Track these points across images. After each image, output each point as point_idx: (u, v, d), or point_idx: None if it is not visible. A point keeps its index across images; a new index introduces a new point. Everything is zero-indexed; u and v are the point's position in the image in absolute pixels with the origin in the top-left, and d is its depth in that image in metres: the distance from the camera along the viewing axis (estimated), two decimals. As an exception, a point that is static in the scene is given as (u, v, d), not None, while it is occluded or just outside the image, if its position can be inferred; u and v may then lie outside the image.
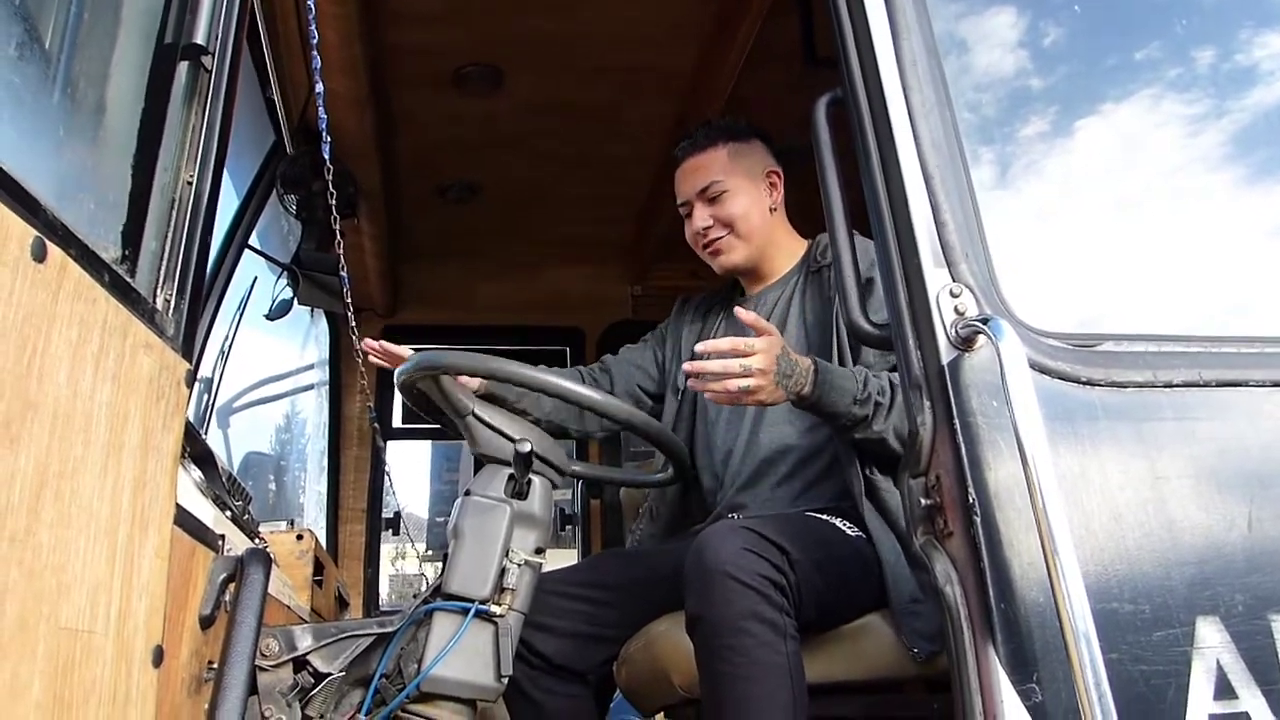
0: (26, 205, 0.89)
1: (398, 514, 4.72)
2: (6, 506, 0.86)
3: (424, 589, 1.88)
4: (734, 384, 1.89)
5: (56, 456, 0.94)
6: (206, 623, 1.41)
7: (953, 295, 1.52)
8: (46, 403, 0.93)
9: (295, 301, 3.77)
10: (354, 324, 2.80)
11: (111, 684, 1.05)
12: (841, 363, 2.16)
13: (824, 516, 2.06)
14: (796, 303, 2.35)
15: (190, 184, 1.27)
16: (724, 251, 2.42)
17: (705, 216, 2.40)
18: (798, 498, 2.20)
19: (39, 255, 0.90)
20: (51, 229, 0.93)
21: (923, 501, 1.50)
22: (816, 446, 2.19)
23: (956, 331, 1.49)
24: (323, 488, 4.63)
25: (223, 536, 1.53)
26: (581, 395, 1.88)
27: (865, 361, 2.14)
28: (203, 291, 1.30)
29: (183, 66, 1.28)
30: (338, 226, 2.62)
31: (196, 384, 1.87)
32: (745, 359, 1.89)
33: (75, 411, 0.98)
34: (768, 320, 2.34)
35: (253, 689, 1.53)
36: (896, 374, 1.99)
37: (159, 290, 1.22)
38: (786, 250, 2.45)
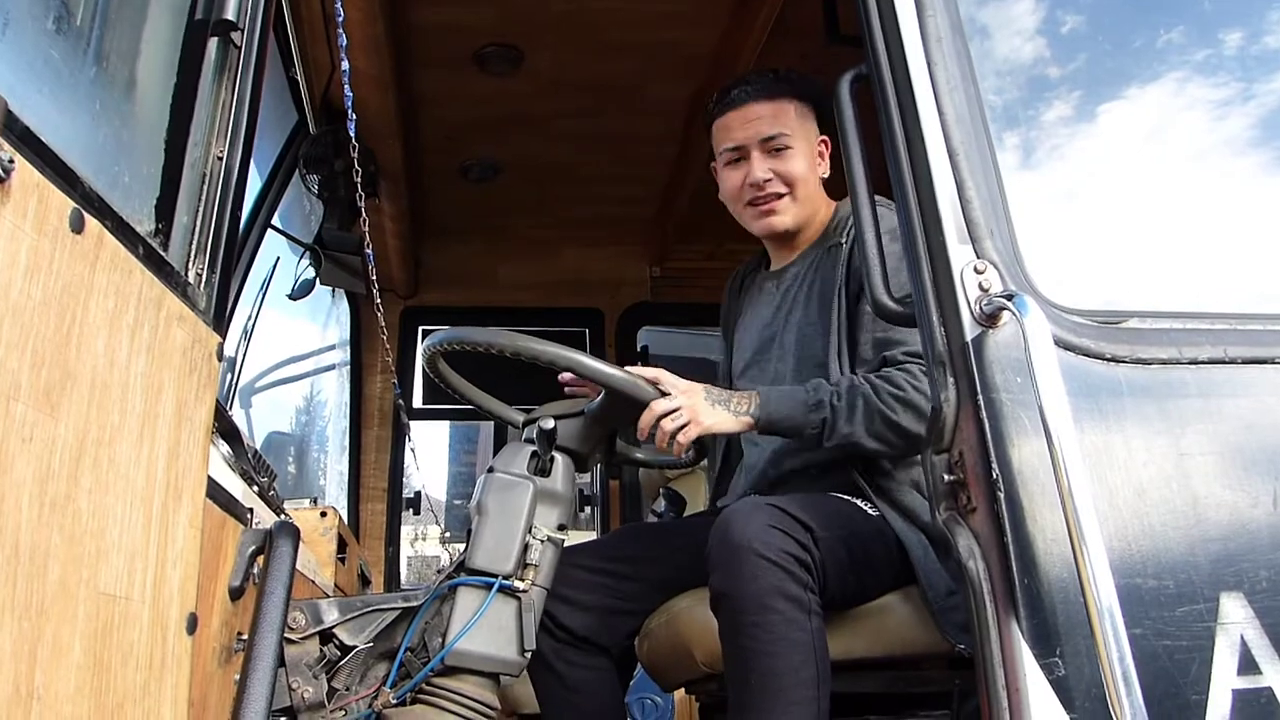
0: (65, 177, 0.90)
1: (418, 493, 4.75)
2: (48, 472, 0.88)
3: (442, 569, 1.90)
4: (667, 424, 1.96)
5: (95, 424, 0.96)
6: (236, 594, 1.43)
7: (977, 271, 1.52)
8: (85, 372, 0.94)
9: (317, 281, 3.79)
10: (379, 302, 2.81)
11: (148, 649, 1.07)
12: (840, 344, 2.14)
13: (845, 496, 2.06)
14: (808, 282, 2.31)
15: (220, 159, 1.29)
16: (778, 212, 2.29)
17: (766, 169, 2.25)
18: (811, 482, 2.19)
19: (77, 226, 0.92)
20: (89, 201, 0.95)
21: (946, 477, 1.50)
22: None
23: (980, 308, 1.49)
24: (344, 467, 4.66)
25: (251, 510, 1.55)
26: (609, 374, 1.89)
27: (859, 338, 2.13)
28: (233, 266, 1.31)
29: (213, 42, 1.29)
30: (362, 204, 2.63)
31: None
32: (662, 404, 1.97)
33: (112, 381, 1.00)
34: (781, 300, 2.36)
35: (280, 661, 1.55)
36: (861, 377, 2.03)
37: (191, 264, 1.24)
38: (820, 221, 2.38)
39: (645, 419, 1.98)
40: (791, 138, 2.26)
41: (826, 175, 2.35)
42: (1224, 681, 1.36)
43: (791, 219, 2.30)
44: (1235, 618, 1.38)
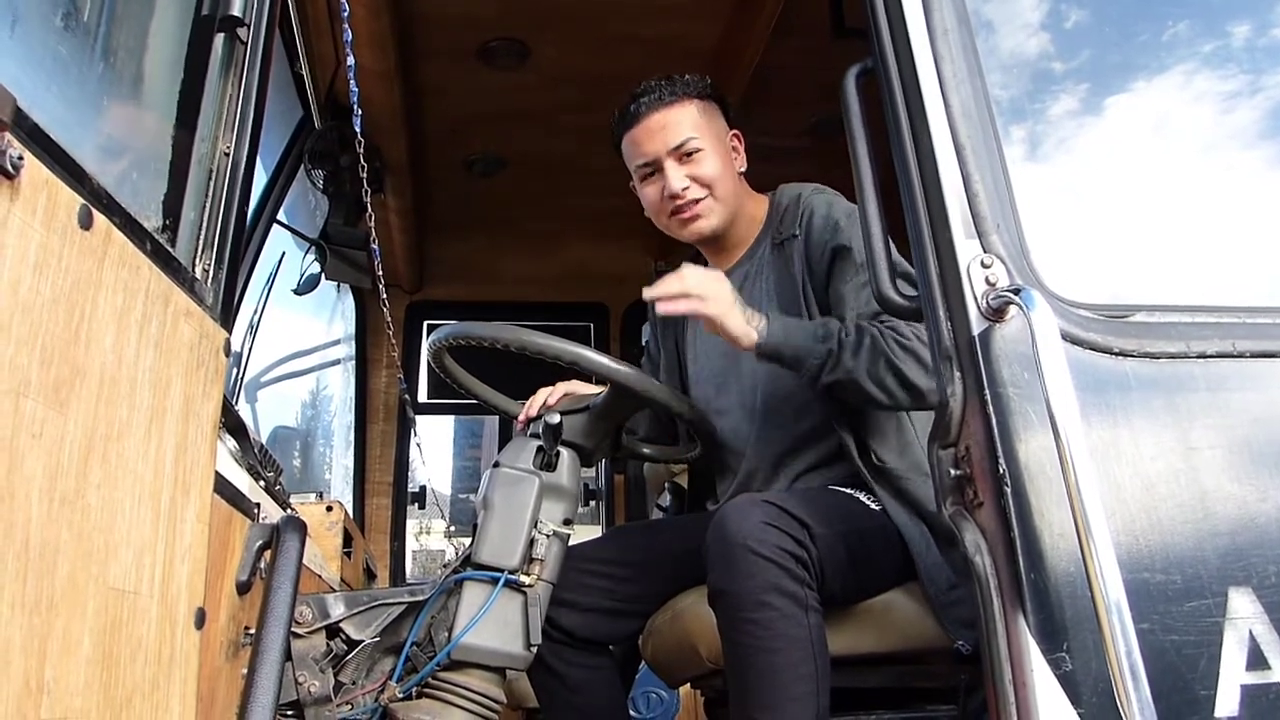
0: (73, 173, 0.91)
1: (423, 488, 4.75)
2: (57, 468, 0.88)
3: (448, 563, 1.90)
4: (691, 288, 1.95)
5: (103, 420, 0.96)
6: (243, 589, 1.44)
7: (984, 266, 1.51)
8: (93, 368, 0.94)
9: (323, 276, 3.80)
10: (384, 296, 2.81)
11: (157, 643, 1.07)
12: None
13: (847, 490, 2.06)
14: (765, 281, 2.27)
15: (227, 155, 1.29)
16: (703, 216, 2.25)
17: (681, 176, 2.22)
18: (810, 472, 2.18)
19: (85, 223, 0.92)
20: (97, 197, 0.95)
21: (952, 472, 1.49)
22: (823, 427, 2.15)
23: (987, 302, 1.48)
24: (348, 462, 4.67)
25: (258, 505, 1.56)
26: (613, 369, 1.89)
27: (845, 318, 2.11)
28: (240, 261, 1.31)
29: (219, 38, 1.29)
30: (368, 199, 2.63)
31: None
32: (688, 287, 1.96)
33: (120, 377, 1.00)
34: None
35: (287, 655, 1.55)
36: (867, 323, 1.99)
37: (198, 259, 1.24)
38: (750, 216, 2.34)
39: (669, 280, 1.96)
40: (700, 139, 2.22)
41: (744, 169, 2.32)
42: (1232, 677, 1.35)
43: (717, 219, 2.27)
44: (1244, 613, 1.38)
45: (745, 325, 1.95)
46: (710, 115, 2.28)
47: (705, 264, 2.43)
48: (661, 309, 1.96)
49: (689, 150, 2.22)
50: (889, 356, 1.93)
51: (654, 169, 2.26)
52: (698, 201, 2.24)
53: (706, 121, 2.26)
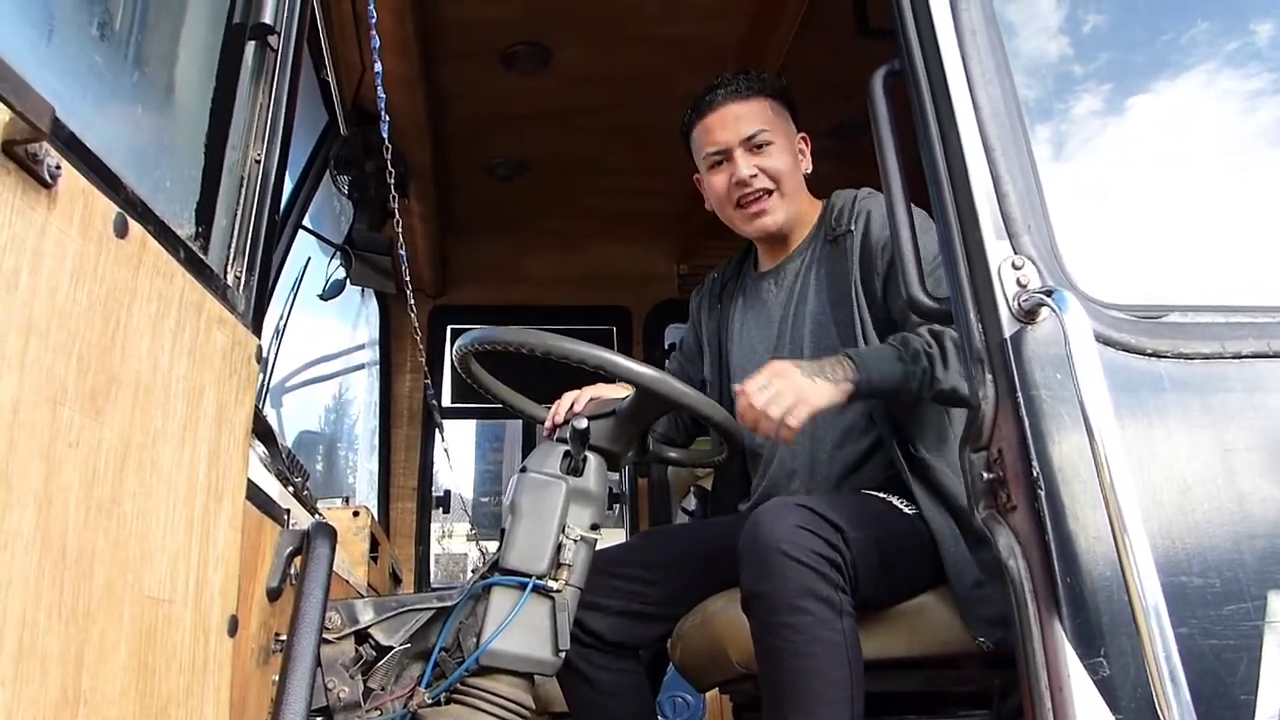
0: (109, 182, 0.91)
1: (448, 492, 4.76)
2: (94, 476, 0.88)
3: (470, 567, 1.91)
4: (773, 409, 1.85)
5: (138, 428, 0.96)
6: (274, 595, 1.44)
7: (1015, 267, 1.50)
8: (129, 376, 0.95)
9: (348, 281, 3.81)
10: (412, 303, 2.82)
11: (191, 651, 1.08)
12: (865, 336, 2.11)
13: (880, 494, 2.05)
14: (814, 275, 2.28)
15: (258, 162, 1.29)
16: (769, 211, 2.28)
17: (751, 165, 2.25)
18: (844, 477, 2.17)
19: (121, 231, 0.92)
20: (131, 205, 0.95)
21: (985, 475, 1.48)
22: (858, 425, 2.16)
23: (1019, 304, 1.47)
24: (373, 466, 4.68)
25: (288, 511, 1.56)
26: (640, 373, 1.89)
27: (884, 336, 2.09)
28: (270, 269, 1.32)
29: (250, 46, 1.29)
30: (395, 205, 2.64)
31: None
32: (759, 390, 1.88)
33: (155, 385, 1.00)
34: (788, 296, 2.32)
35: (316, 661, 1.55)
36: (938, 327, 1.95)
37: (230, 267, 1.24)
38: (807, 217, 2.37)
39: (743, 407, 1.89)
40: (771, 133, 2.27)
41: (809, 171, 2.36)
42: (1273, 681, 1.33)
43: (783, 216, 2.30)
44: (1284, 617, 1.36)
45: (834, 386, 1.90)
46: (781, 114, 2.33)
47: (754, 259, 2.45)
48: (783, 436, 1.89)
49: (760, 142, 2.27)
50: None
51: (723, 158, 2.30)
52: (766, 194, 2.27)
53: (778, 119, 2.31)
